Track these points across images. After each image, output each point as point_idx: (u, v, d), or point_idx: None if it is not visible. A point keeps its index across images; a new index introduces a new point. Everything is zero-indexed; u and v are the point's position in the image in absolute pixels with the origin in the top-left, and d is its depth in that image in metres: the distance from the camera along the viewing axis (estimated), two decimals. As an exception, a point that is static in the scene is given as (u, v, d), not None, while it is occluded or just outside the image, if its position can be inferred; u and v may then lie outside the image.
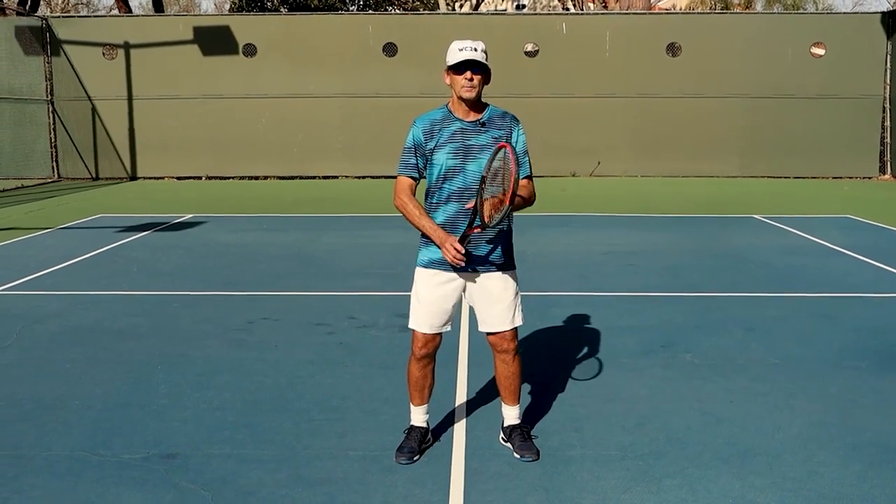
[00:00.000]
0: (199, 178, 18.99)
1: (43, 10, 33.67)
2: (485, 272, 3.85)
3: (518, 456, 3.93)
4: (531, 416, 4.44)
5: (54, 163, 19.01)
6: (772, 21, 20.40)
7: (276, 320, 6.56)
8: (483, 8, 39.34)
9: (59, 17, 22.16)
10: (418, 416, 4.03)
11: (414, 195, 3.85)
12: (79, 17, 26.86)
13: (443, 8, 31.32)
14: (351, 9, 30.29)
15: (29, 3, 25.07)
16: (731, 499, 3.54)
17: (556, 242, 10.16)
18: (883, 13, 18.90)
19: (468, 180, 3.75)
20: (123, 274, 8.41)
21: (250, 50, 18.80)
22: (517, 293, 3.93)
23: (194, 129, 18.86)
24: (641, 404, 4.67)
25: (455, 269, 3.81)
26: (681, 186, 16.95)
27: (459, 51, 3.69)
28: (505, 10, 48.81)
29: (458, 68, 3.70)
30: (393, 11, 29.47)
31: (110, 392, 4.92)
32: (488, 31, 18.21)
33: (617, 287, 7.74)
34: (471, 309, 4.09)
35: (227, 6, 44.09)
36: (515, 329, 3.94)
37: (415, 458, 3.91)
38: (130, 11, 28.01)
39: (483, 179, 3.56)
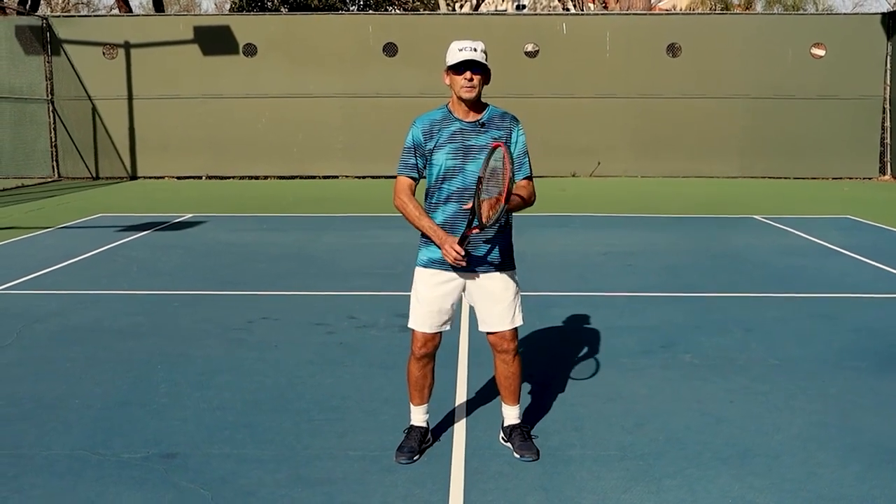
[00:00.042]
0: (200, 177, 18.99)
1: (43, 9, 33.66)
2: (485, 272, 3.85)
3: (518, 456, 3.93)
4: (531, 415, 4.44)
5: (54, 162, 19.02)
6: (772, 22, 20.40)
7: (276, 320, 6.56)
8: (483, 8, 39.34)
9: (59, 16, 22.16)
10: (418, 416, 4.04)
11: (414, 195, 3.85)
12: (79, 16, 26.86)
13: (443, 8, 31.32)
14: (351, 9, 30.30)
15: (29, 2, 25.07)
16: (730, 499, 3.54)
17: (555, 242, 10.16)
18: (883, 14, 18.90)
19: (467, 181, 3.75)
20: (123, 273, 8.42)
21: (250, 50, 18.80)
22: (517, 293, 3.94)
23: (194, 128, 18.86)
24: (641, 404, 4.67)
25: (455, 268, 3.81)
26: (681, 187, 16.95)
27: (459, 51, 3.69)
28: (505, 10, 48.80)
29: (458, 68, 3.70)
30: (393, 11, 29.48)
31: (110, 391, 4.92)
32: (488, 32, 18.21)
33: (617, 287, 7.74)
34: (471, 309, 4.10)
35: (228, 6, 44.10)
36: (515, 329, 3.94)
37: (415, 458, 3.91)
38: (131, 11, 28.02)
39: (480, 180, 3.56)
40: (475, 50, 3.68)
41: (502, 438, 4.10)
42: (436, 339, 3.92)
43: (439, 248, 3.71)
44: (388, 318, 6.54)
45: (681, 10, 42.41)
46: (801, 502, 3.52)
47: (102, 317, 6.65)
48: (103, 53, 18.91)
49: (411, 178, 3.84)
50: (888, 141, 18.68)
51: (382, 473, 3.79)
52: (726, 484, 3.68)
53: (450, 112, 3.82)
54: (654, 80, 18.64)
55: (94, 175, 19.05)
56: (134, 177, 19.06)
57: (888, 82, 18.56)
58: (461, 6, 33.76)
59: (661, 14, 22.85)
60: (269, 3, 29.22)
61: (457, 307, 3.94)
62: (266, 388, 4.97)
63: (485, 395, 4.76)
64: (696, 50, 18.66)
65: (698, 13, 29.17)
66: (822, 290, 7.57)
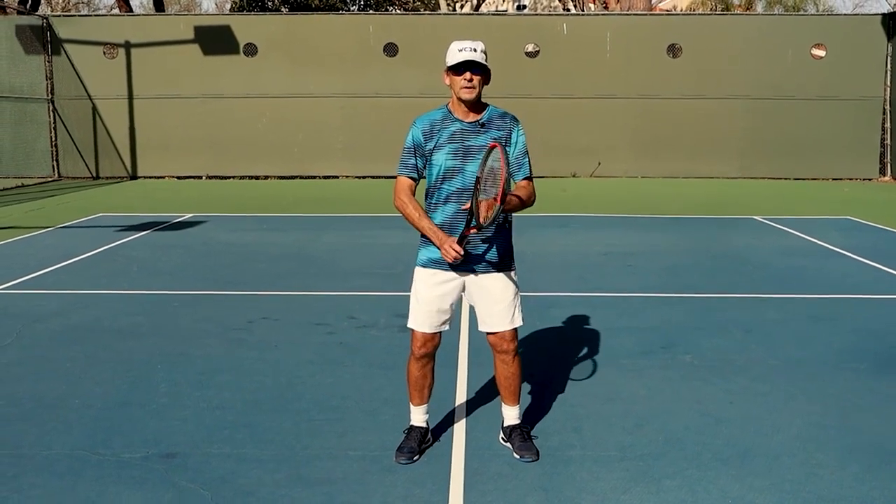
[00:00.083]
0: (200, 177, 18.99)
1: (44, 8, 33.67)
2: (485, 272, 3.85)
3: (518, 456, 3.93)
4: (531, 416, 4.44)
5: (55, 162, 19.02)
6: (772, 22, 20.41)
7: (276, 320, 6.57)
8: (484, 8, 39.34)
9: (59, 16, 22.17)
10: (418, 416, 4.04)
11: (414, 195, 3.86)
12: (79, 16, 26.87)
13: (444, 8, 31.33)
14: (352, 9, 30.30)
15: (30, 1, 25.07)
16: (730, 499, 3.54)
17: (555, 243, 10.16)
18: (883, 15, 18.91)
19: (467, 181, 3.75)
20: (123, 273, 8.42)
21: (251, 49, 18.81)
22: (517, 293, 3.94)
23: (195, 128, 18.87)
24: (641, 405, 4.67)
25: (454, 268, 3.82)
26: (681, 187, 16.96)
27: (459, 51, 3.69)
28: (506, 10, 48.81)
29: (458, 69, 3.70)
30: (394, 11, 29.48)
31: (110, 391, 4.92)
32: (489, 32, 18.22)
33: (617, 288, 7.74)
34: (471, 309, 4.10)
35: (228, 6, 44.10)
36: (515, 329, 3.94)
37: (414, 458, 3.91)
38: (131, 11, 28.01)
39: (478, 180, 3.56)
40: (475, 50, 3.68)
41: (502, 439, 4.10)
42: (435, 339, 3.92)
43: (438, 248, 3.71)
44: (388, 318, 6.54)
45: (681, 10, 42.42)
46: (801, 503, 3.52)
47: (102, 316, 6.66)
48: (104, 53, 18.92)
49: (411, 178, 3.84)
50: (888, 142, 18.69)
51: (382, 473, 3.79)
52: (726, 484, 3.68)
53: (450, 112, 3.82)
54: (655, 80, 18.64)
55: (95, 175, 19.05)
56: (134, 176, 19.07)
57: (888, 83, 18.57)
58: (462, 6, 33.77)
59: (662, 14, 22.85)
60: (269, 3, 29.23)
61: (456, 307, 3.94)
62: (266, 388, 4.97)
63: (485, 395, 4.76)
64: (696, 50, 18.66)
65: (699, 14, 29.16)
66: (822, 292, 7.57)
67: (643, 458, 3.96)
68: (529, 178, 3.88)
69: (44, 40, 18.66)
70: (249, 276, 8.30)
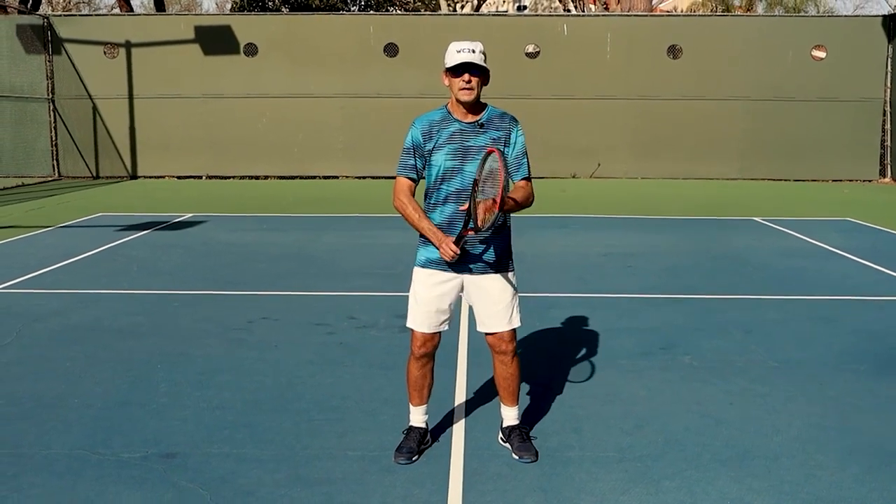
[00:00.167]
0: (200, 177, 19.00)
1: (44, 8, 33.66)
2: (483, 273, 3.86)
3: (517, 457, 3.93)
4: (530, 416, 4.44)
5: (55, 161, 19.03)
6: (772, 23, 20.41)
7: (276, 320, 6.57)
8: (484, 9, 39.35)
9: (60, 15, 22.16)
10: (417, 417, 4.04)
11: (413, 196, 3.86)
12: (80, 15, 26.86)
13: (444, 9, 31.33)
14: (352, 9, 30.30)
15: (30, 1, 25.08)
16: (729, 501, 3.54)
17: (555, 244, 10.16)
18: (884, 16, 18.91)
19: (466, 181, 3.75)
20: (124, 273, 8.42)
21: (251, 49, 18.81)
22: (515, 294, 3.94)
23: (195, 128, 18.87)
24: (640, 406, 4.67)
25: (453, 269, 3.82)
26: (681, 188, 16.96)
27: (457, 52, 3.69)
28: (506, 11, 48.82)
29: (456, 70, 3.69)
30: (394, 12, 29.48)
31: (110, 391, 4.92)
32: (489, 32, 18.23)
33: (616, 289, 7.74)
34: (470, 309, 4.10)
35: (229, 6, 44.10)
36: (514, 330, 3.94)
37: (414, 459, 3.91)
38: (132, 10, 28.02)
39: (476, 182, 3.56)
40: (473, 51, 3.68)
41: (501, 439, 4.10)
42: (435, 339, 3.92)
43: (437, 248, 3.72)
44: (387, 318, 6.55)
45: (682, 11, 42.43)
46: (800, 504, 3.52)
47: (102, 316, 6.66)
48: (104, 53, 18.92)
49: (410, 179, 3.84)
50: (888, 143, 18.69)
51: (381, 474, 3.79)
52: (725, 486, 3.68)
53: (449, 113, 3.82)
54: (655, 81, 18.64)
55: (95, 174, 19.06)
56: (134, 176, 19.07)
57: (888, 84, 18.57)
58: (462, 7, 33.77)
59: (662, 15, 22.87)
60: (270, 3, 29.23)
61: (455, 307, 3.94)
62: (266, 388, 4.97)
63: (484, 395, 4.76)
64: (696, 51, 18.66)
65: (699, 14, 29.19)
66: (822, 293, 7.57)
67: (642, 459, 3.96)
68: (528, 179, 3.88)
69: (44, 40, 18.66)
70: (249, 276, 8.31)
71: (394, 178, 3.93)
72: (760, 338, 6.06)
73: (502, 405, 4.10)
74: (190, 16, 22.22)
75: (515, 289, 3.95)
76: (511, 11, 48.55)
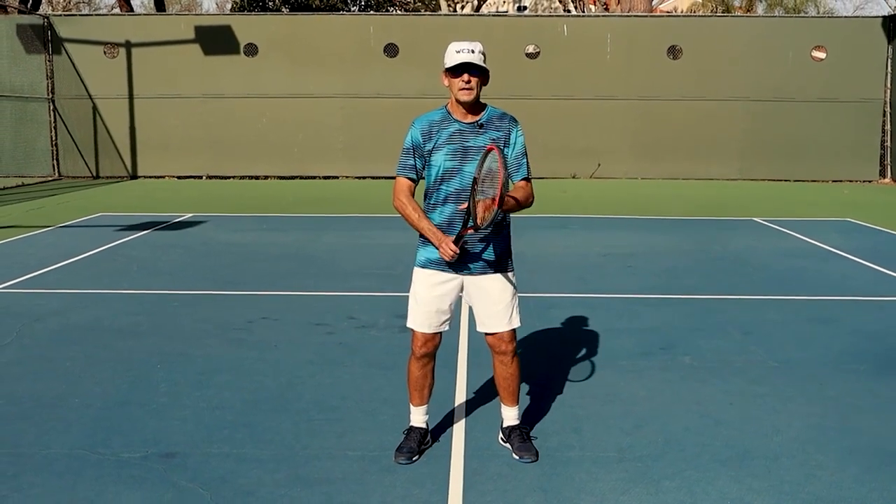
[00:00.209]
0: (200, 177, 19.00)
1: (44, 8, 33.66)
2: (483, 273, 3.86)
3: (517, 457, 3.93)
4: (530, 416, 4.44)
5: (55, 161, 19.03)
6: (773, 24, 20.43)
7: (276, 320, 6.57)
8: (484, 9, 39.36)
9: (60, 15, 22.15)
10: (418, 417, 4.04)
11: (413, 196, 3.86)
12: (80, 15, 26.86)
13: (444, 9, 31.34)
14: (352, 9, 30.31)
15: (31, 1, 25.08)
16: (728, 501, 3.54)
17: (555, 244, 10.17)
18: (884, 17, 18.92)
19: (466, 182, 3.75)
20: (123, 273, 8.42)
21: (251, 50, 18.82)
22: (515, 294, 3.94)
23: (195, 128, 18.87)
24: (640, 406, 4.67)
25: (453, 269, 3.82)
26: (681, 189, 16.96)
27: (457, 53, 3.69)
28: (506, 11, 48.84)
29: (456, 71, 3.69)
30: (394, 12, 29.48)
31: (110, 390, 4.92)
32: (489, 33, 18.24)
33: (616, 289, 7.74)
34: (470, 309, 4.10)
35: (229, 6, 44.12)
36: (514, 330, 3.94)
37: (414, 459, 3.91)
38: (132, 10, 28.02)
39: (475, 181, 3.56)
40: (472, 52, 3.68)
41: (501, 439, 4.10)
42: (435, 339, 3.92)
43: (437, 247, 3.72)
44: (387, 318, 6.55)
45: (682, 12, 42.44)
46: (800, 504, 3.52)
47: (102, 316, 6.66)
48: (104, 52, 18.93)
49: (410, 179, 3.84)
50: (888, 144, 18.70)
51: (381, 473, 3.79)
52: (725, 486, 3.68)
53: (448, 113, 3.82)
54: (655, 81, 18.65)
55: (95, 174, 19.06)
56: (134, 176, 19.07)
57: (888, 85, 18.58)
58: (462, 7, 33.78)
59: (662, 16, 22.88)
60: (270, 4, 29.24)
61: (455, 307, 3.94)
62: (266, 388, 4.97)
63: (484, 395, 4.76)
64: (696, 52, 18.67)
65: (699, 15, 29.20)
66: (822, 293, 7.57)
67: (642, 459, 3.96)
68: (528, 179, 3.88)
69: (44, 40, 18.66)
70: (249, 276, 8.31)
71: (393, 178, 3.93)
72: (760, 338, 6.06)
73: (502, 405, 4.10)
74: (190, 16, 22.22)
75: (515, 289, 3.95)
76: (511, 12, 48.56)
